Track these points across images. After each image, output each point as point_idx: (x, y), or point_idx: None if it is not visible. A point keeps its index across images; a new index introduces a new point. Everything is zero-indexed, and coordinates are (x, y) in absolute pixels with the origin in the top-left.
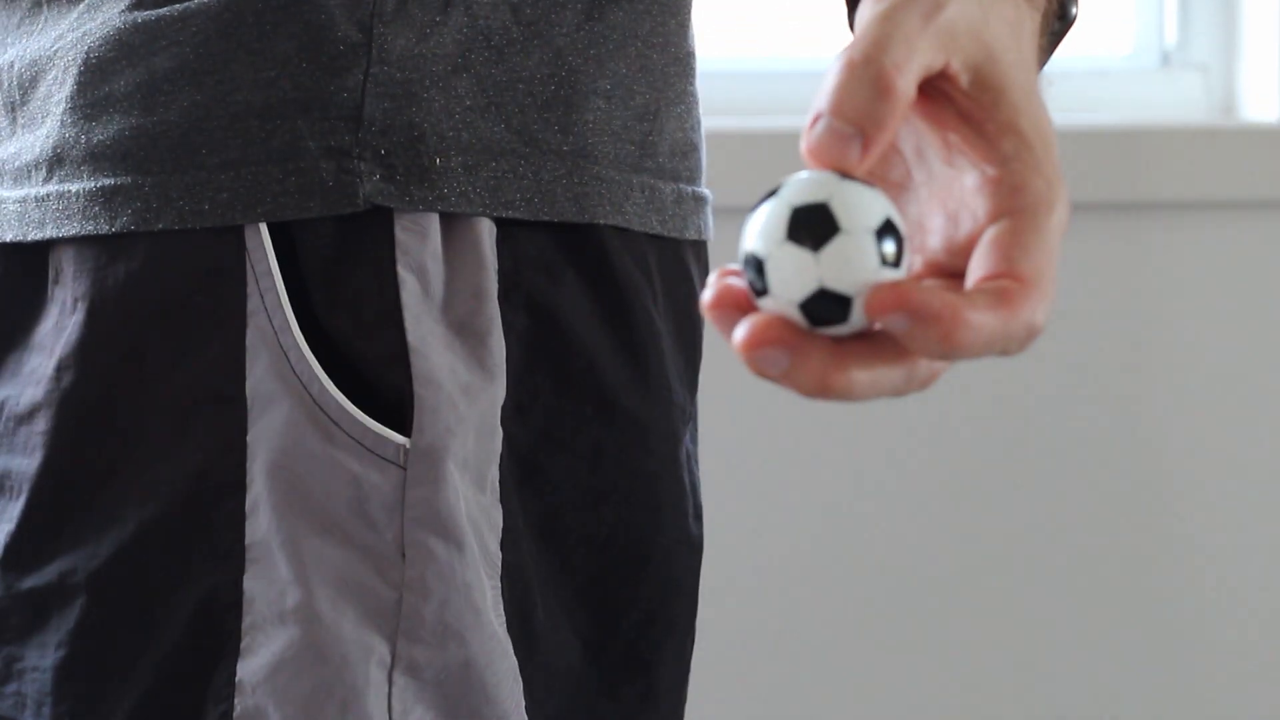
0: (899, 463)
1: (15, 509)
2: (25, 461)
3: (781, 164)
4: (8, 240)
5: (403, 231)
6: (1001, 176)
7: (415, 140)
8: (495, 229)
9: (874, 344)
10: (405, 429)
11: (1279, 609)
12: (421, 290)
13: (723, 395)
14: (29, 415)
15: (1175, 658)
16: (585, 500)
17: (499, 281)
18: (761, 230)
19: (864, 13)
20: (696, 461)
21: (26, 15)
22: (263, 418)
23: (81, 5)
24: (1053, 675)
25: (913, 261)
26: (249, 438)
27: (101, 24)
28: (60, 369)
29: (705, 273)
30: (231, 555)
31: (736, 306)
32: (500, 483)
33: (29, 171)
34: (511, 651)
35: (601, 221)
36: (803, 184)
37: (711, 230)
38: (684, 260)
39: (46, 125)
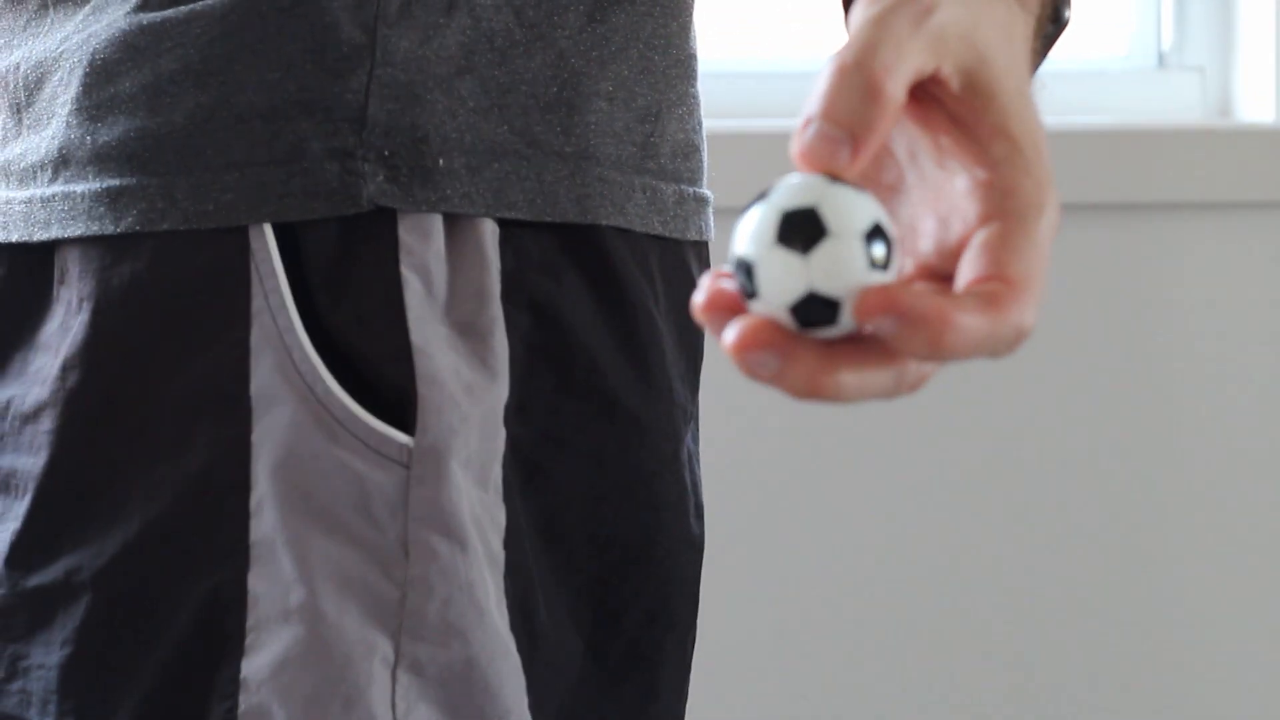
0: (899, 462)
1: (21, 508)
2: (30, 460)
3: (782, 165)
4: (13, 240)
5: (406, 232)
6: (992, 180)
7: (419, 141)
8: (498, 230)
9: (863, 346)
10: (409, 428)
11: (1279, 609)
12: (425, 290)
13: (724, 395)
14: (34, 414)
15: (1176, 658)
16: (587, 499)
17: (502, 282)
18: (752, 234)
19: (856, 16)
20: (698, 461)
21: (33, 17)
22: (267, 417)
23: (87, 7)
24: (1053, 676)
25: (904, 264)
26: (253, 437)
27: (107, 26)
28: (65, 369)
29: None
30: (236, 553)
31: (728, 309)
32: (503, 482)
33: (35, 172)
34: (514, 650)
35: (604, 222)
36: (792, 188)
37: (713, 231)
38: (685, 261)
39: (52, 126)
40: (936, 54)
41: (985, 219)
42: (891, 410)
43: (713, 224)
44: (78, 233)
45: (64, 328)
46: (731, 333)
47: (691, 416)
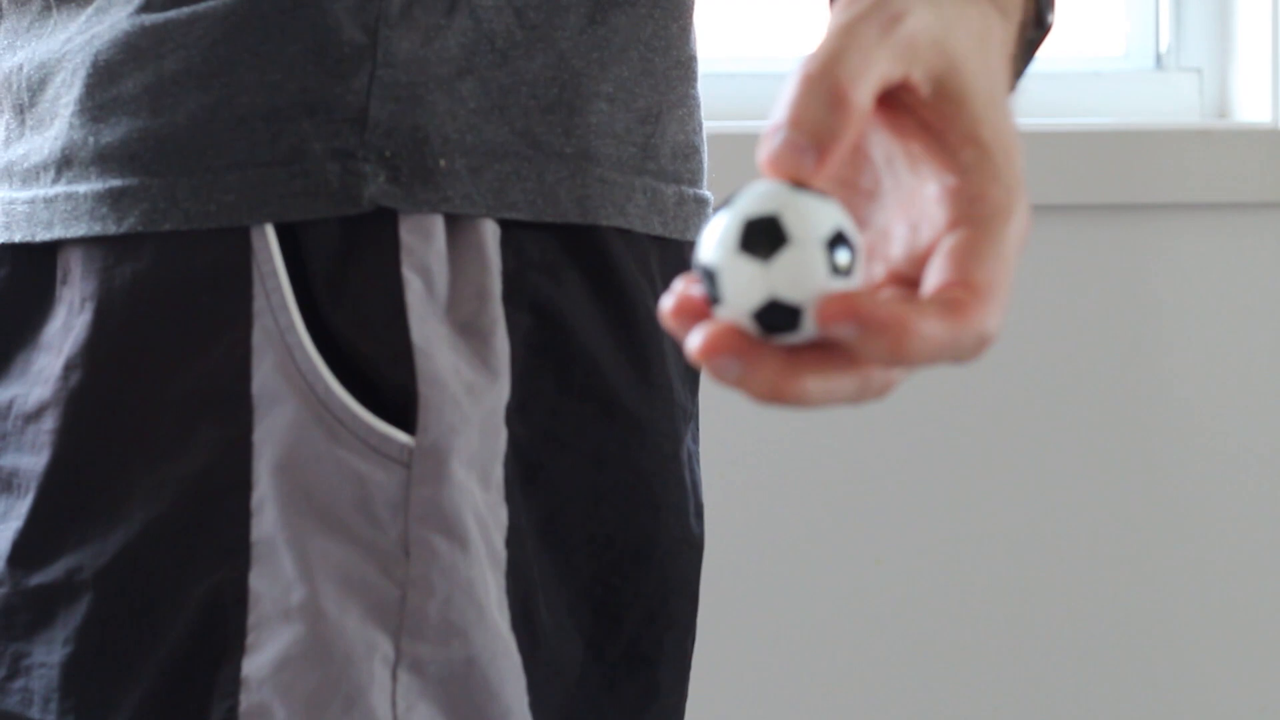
0: (898, 462)
1: (23, 507)
2: (33, 460)
3: None
4: (16, 240)
5: (407, 233)
6: (961, 186)
7: (420, 142)
8: (499, 230)
9: (827, 352)
10: (410, 428)
11: (1279, 608)
12: (426, 291)
13: (723, 395)
14: (37, 414)
15: (1176, 658)
16: (587, 499)
17: (502, 282)
18: (716, 241)
19: (829, 22)
20: (698, 461)
21: (36, 19)
22: (268, 417)
23: (90, 8)
24: (1054, 677)
25: (875, 270)
26: (254, 436)
27: (109, 27)
28: (68, 368)
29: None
30: (237, 552)
31: (694, 314)
32: (504, 481)
33: (37, 172)
34: (515, 649)
35: (604, 223)
36: (756, 195)
37: None
38: (685, 261)
39: (55, 127)
40: (906, 61)
41: (953, 225)
42: (891, 411)
43: None
44: (80, 233)
45: (66, 327)
46: (696, 338)
47: (691, 416)
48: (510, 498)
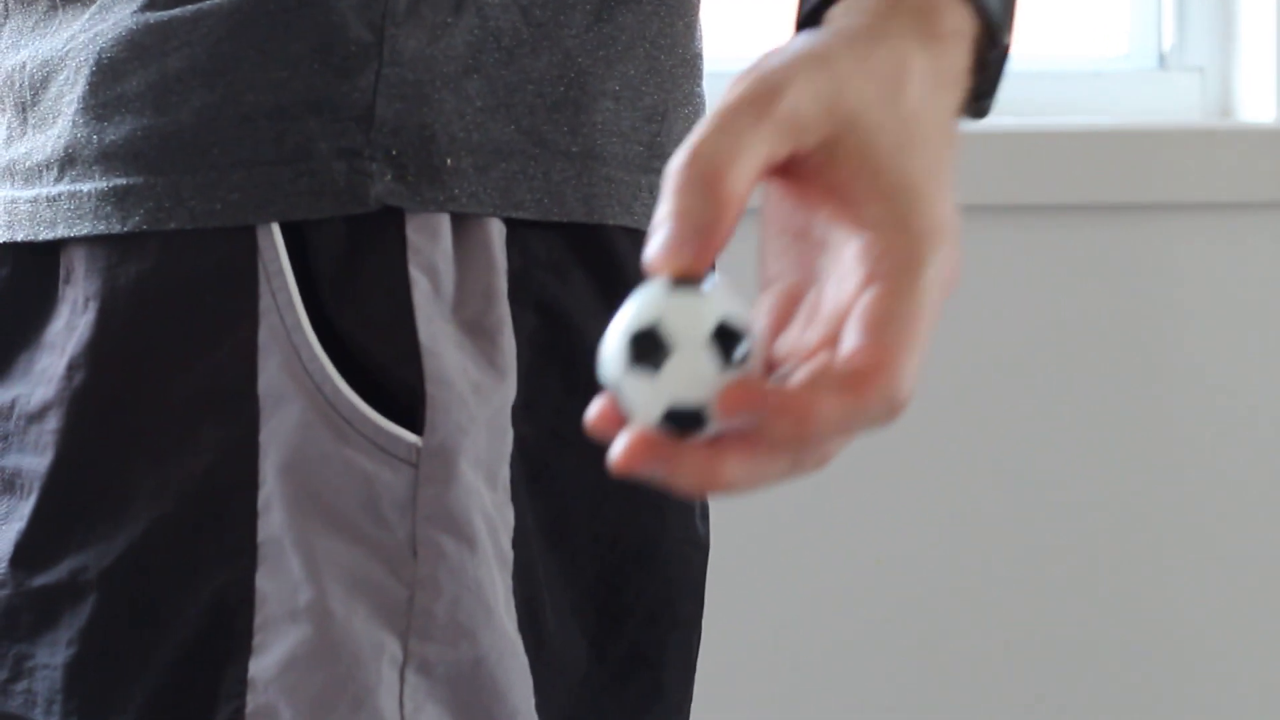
0: (903, 462)
1: (26, 507)
2: (36, 460)
3: None
4: (19, 240)
5: (414, 232)
6: (868, 243)
7: (426, 141)
8: (505, 229)
9: (747, 437)
10: (417, 428)
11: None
12: (432, 290)
13: None
14: (40, 414)
15: (1180, 661)
16: (592, 499)
17: (509, 281)
18: (610, 359)
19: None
20: None
21: (42, 18)
22: (274, 416)
23: (94, 6)
24: (1055, 677)
25: (811, 335)
26: (261, 436)
27: (113, 25)
28: (71, 368)
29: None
30: (243, 553)
31: (613, 424)
32: (511, 481)
33: (40, 171)
34: (522, 649)
35: (610, 222)
36: (638, 306)
37: None
38: None
39: (58, 125)
40: (790, 136)
41: (865, 283)
42: None
43: None
44: (84, 232)
45: (70, 327)
46: (614, 452)
47: None
48: (516, 498)
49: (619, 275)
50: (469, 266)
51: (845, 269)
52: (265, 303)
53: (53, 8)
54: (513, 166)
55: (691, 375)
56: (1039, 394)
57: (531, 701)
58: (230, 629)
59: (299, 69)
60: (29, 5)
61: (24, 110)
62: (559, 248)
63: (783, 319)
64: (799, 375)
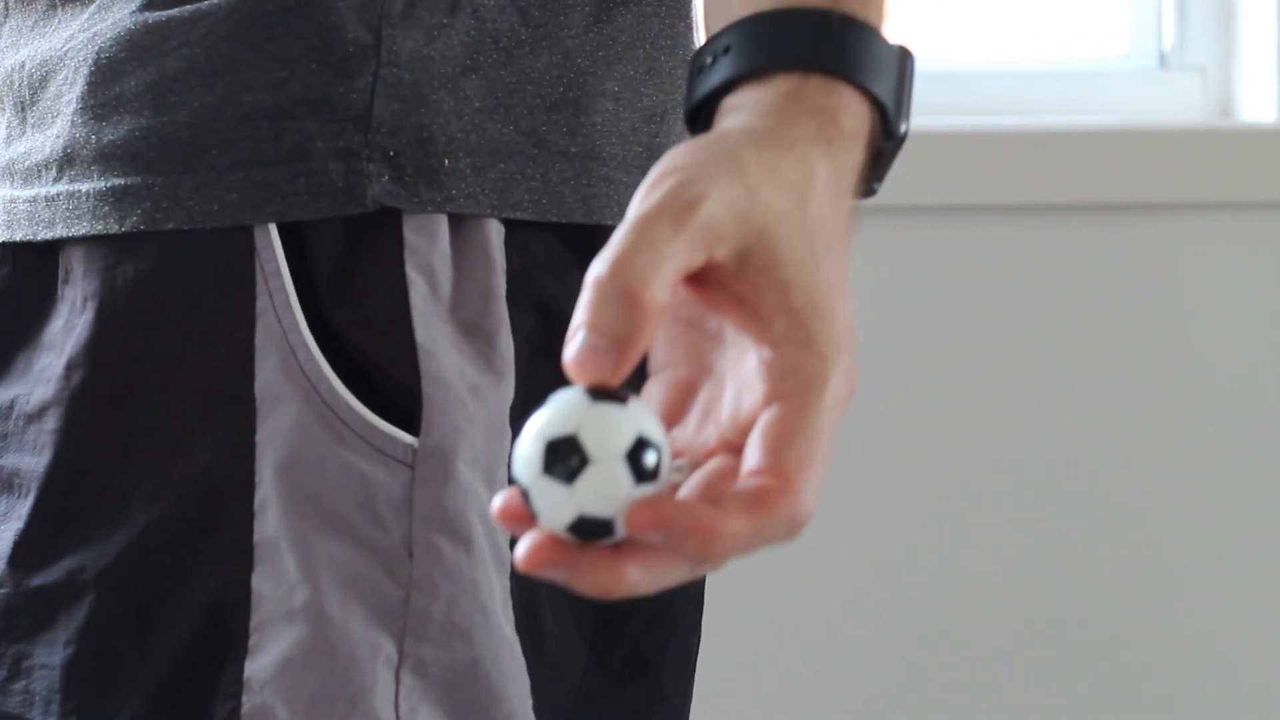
0: (902, 463)
1: (24, 507)
2: (35, 460)
3: None
4: (18, 239)
5: (411, 232)
6: (774, 360)
7: (424, 142)
8: (503, 230)
9: (650, 546)
10: (414, 429)
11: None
12: (430, 291)
13: None
14: (39, 414)
15: (1182, 663)
16: None
17: (507, 282)
18: (522, 461)
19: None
20: None
21: (42, 18)
22: (271, 417)
23: (93, 6)
24: (1055, 679)
25: (708, 434)
26: (258, 437)
27: (112, 25)
28: (70, 368)
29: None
30: (240, 554)
31: (520, 521)
32: (509, 482)
33: (39, 171)
34: (519, 651)
35: (609, 223)
36: (555, 413)
37: None
38: None
39: (57, 125)
40: (706, 244)
41: (768, 400)
42: (895, 411)
43: None
44: (82, 232)
45: (68, 327)
46: (519, 553)
47: None
48: (507, 488)
49: None
50: (467, 267)
51: (747, 378)
52: (262, 303)
53: (52, 7)
54: (511, 167)
55: (605, 488)
56: (1039, 394)
57: (529, 703)
58: (226, 629)
59: (297, 69)
60: (28, 5)
61: (23, 110)
62: (557, 248)
63: (675, 410)
64: (698, 480)
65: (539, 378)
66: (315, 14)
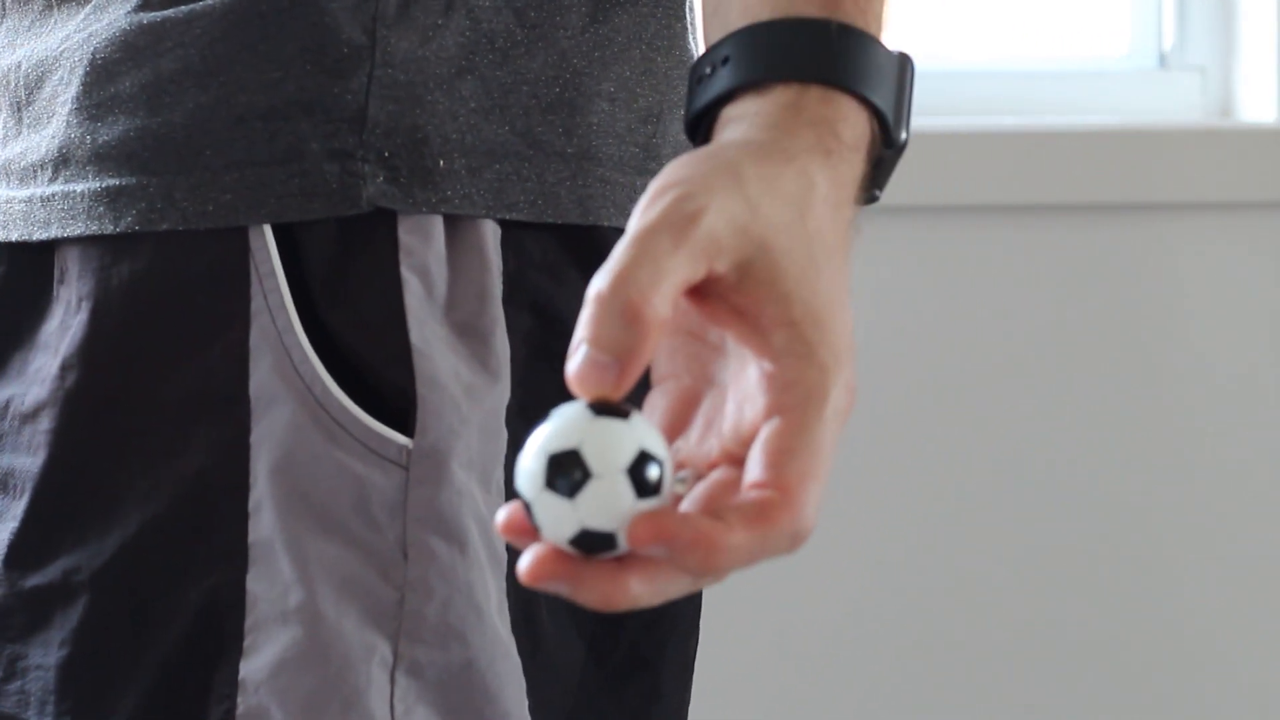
0: (904, 462)
1: (19, 508)
2: (29, 460)
3: None
4: (13, 240)
5: (406, 233)
6: (775, 372)
7: (419, 142)
8: (499, 230)
9: (653, 560)
10: (408, 430)
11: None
12: (424, 292)
13: None
14: (33, 414)
15: (1183, 664)
16: None
17: (503, 283)
18: (526, 474)
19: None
20: None
21: (38, 18)
22: (266, 418)
23: (88, 7)
24: (1055, 679)
25: (710, 446)
26: (252, 438)
27: (108, 25)
28: (64, 368)
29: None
30: (234, 555)
31: (523, 533)
32: (505, 483)
33: (34, 171)
34: (515, 652)
35: (605, 224)
36: (557, 428)
37: None
38: None
39: (52, 125)
40: (707, 258)
41: (769, 413)
42: (895, 410)
43: None
44: (77, 232)
45: (63, 327)
46: (522, 565)
47: None
48: (511, 499)
49: None
50: (462, 268)
51: (748, 390)
52: (257, 304)
53: (48, 7)
54: (506, 168)
55: (607, 502)
56: (1039, 394)
57: (524, 703)
58: (221, 630)
59: (291, 70)
60: (24, 5)
61: (19, 110)
62: (554, 249)
63: (678, 421)
64: (700, 493)
65: (535, 379)
66: (310, 15)
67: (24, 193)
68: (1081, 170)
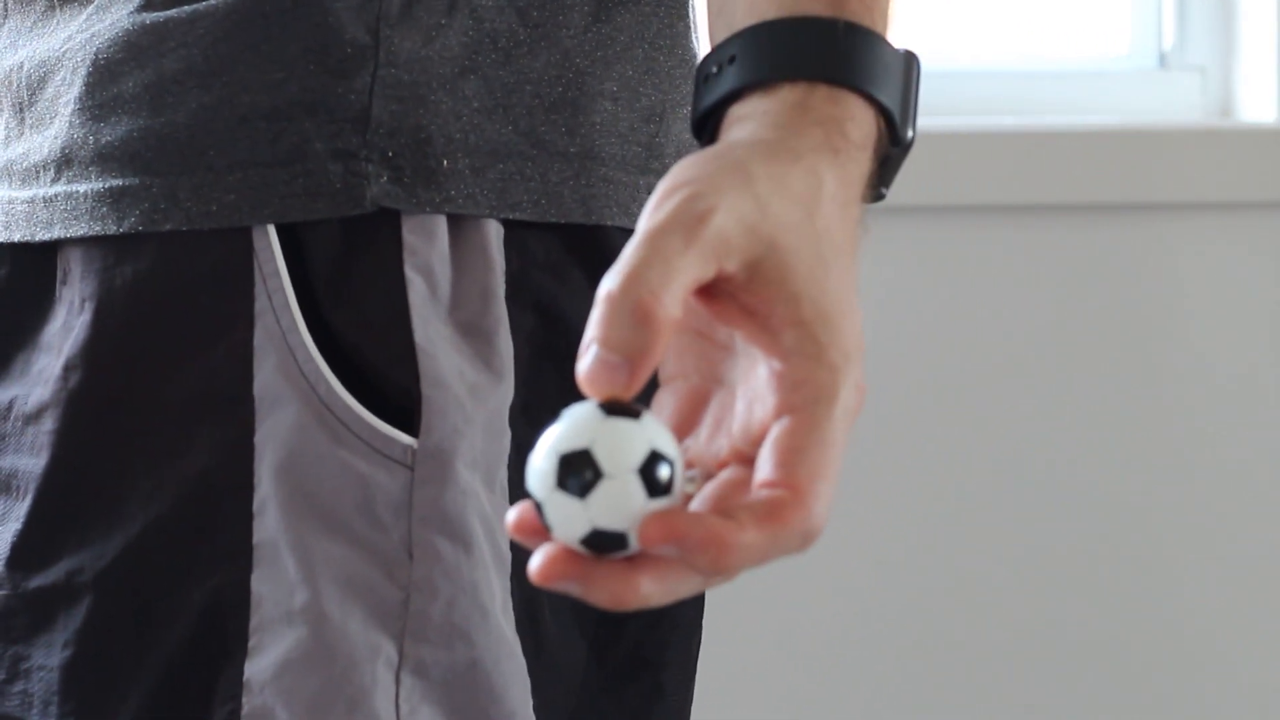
0: (904, 462)
1: (22, 509)
2: (32, 461)
3: None
4: (16, 240)
5: (410, 233)
6: (784, 372)
7: (422, 142)
8: (502, 230)
9: (663, 559)
10: (413, 430)
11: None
12: (429, 291)
13: None
14: (36, 415)
15: (1183, 664)
16: None
17: (506, 282)
18: (537, 474)
19: (649, 214)
20: None
21: (40, 18)
22: (270, 418)
23: (91, 7)
24: (1055, 679)
25: (719, 445)
26: (256, 438)
27: (110, 25)
28: (68, 369)
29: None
30: (239, 555)
31: (534, 533)
32: (509, 483)
33: (37, 172)
34: (519, 651)
35: (608, 223)
36: (570, 426)
37: None
38: None
39: (55, 126)
40: (718, 257)
41: (779, 412)
42: (895, 410)
43: None
44: (80, 233)
45: (66, 328)
46: (533, 565)
47: None
48: (514, 499)
49: None
50: (466, 268)
51: (758, 389)
52: (261, 304)
53: (50, 8)
54: (510, 168)
55: (619, 502)
56: (1039, 394)
57: (529, 703)
58: (226, 631)
59: (295, 70)
60: (27, 5)
61: (21, 110)
62: (557, 249)
63: (687, 420)
64: (710, 492)
65: (539, 378)
66: (313, 15)
67: (27, 193)
68: (1081, 170)
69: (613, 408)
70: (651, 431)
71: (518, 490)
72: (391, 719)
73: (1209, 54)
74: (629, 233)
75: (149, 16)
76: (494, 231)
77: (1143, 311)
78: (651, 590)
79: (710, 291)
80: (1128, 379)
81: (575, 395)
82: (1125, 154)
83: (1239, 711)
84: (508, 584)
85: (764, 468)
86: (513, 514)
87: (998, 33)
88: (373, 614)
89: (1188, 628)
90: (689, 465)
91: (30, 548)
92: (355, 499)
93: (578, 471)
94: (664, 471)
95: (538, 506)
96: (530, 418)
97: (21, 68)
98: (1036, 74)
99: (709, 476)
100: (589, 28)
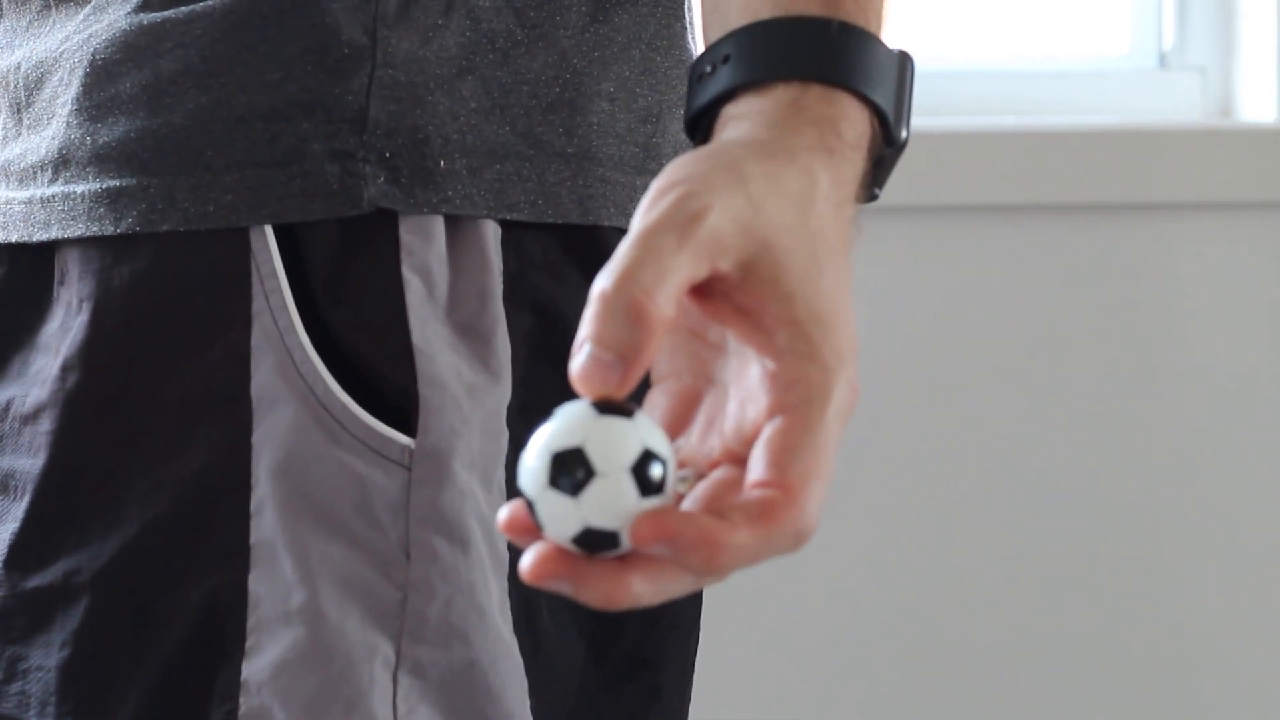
0: (903, 462)
1: (19, 509)
2: (30, 462)
3: None
4: (13, 241)
5: (407, 234)
6: (778, 371)
7: (420, 143)
8: (500, 231)
9: (655, 558)
10: (410, 430)
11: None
12: (426, 292)
13: None
14: (34, 415)
15: (1180, 661)
16: None
17: (504, 283)
18: (529, 472)
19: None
20: None
21: (36, 18)
22: (268, 418)
23: (88, 7)
24: (1055, 679)
25: (712, 444)
26: (254, 438)
27: (108, 26)
28: (65, 369)
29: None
30: (236, 555)
31: (525, 532)
32: (506, 483)
33: (34, 172)
34: (517, 651)
35: (606, 223)
36: (561, 426)
37: None
38: None
39: (52, 126)
40: (711, 256)
41: (772, 411)
42: (895, 410)
43: None
44: (78, 233)
45: (64, 328)
46: (524, 564)
47: None
48: (512, 499)
49: None
50: (463, 268)
51: (751, 389)
52: (258, 305)
53: (46, 7)
54: (507, 168)
55: (611, 501)
56: (1039, 394)
57: (526, 703)
58: (223, 631)
59: (292, 71)
60: (23, 5)
61: (19, 111)
62: (554, 249)
63: (679, 420)
64: (703, 492)
65: (536, 378)
66: (310, 16)
67: (24, 194)
68: (1081, 170)
69: (606, 406)
70: (644, 430)
71: (515, 490)
72: (389, 719)
73: (1209, 54)
74: (625, 233)
75: (146, 17)
76: (491, 232)
77: (1142, 311)
78: (643, 590)
79: (704, 291)
80: (1127, 379)
81: (573, 395)
82: (1125, 154)
83: (1239, 711)
84: (505, 584)
85: (756, 467)
86: (504, 512)
87: (997, 32)
88: (370, 614)
89: (1188, 628)
90: (681, 465)
91: (28, 548)
92: (353, 499)
93: (570, 470)
94: (656, 471)
95: (529, 505)
96: (528, 418)
97: (18, 68)
98: (1036, 74)
99: (701, 476)
100: (586, 28)
